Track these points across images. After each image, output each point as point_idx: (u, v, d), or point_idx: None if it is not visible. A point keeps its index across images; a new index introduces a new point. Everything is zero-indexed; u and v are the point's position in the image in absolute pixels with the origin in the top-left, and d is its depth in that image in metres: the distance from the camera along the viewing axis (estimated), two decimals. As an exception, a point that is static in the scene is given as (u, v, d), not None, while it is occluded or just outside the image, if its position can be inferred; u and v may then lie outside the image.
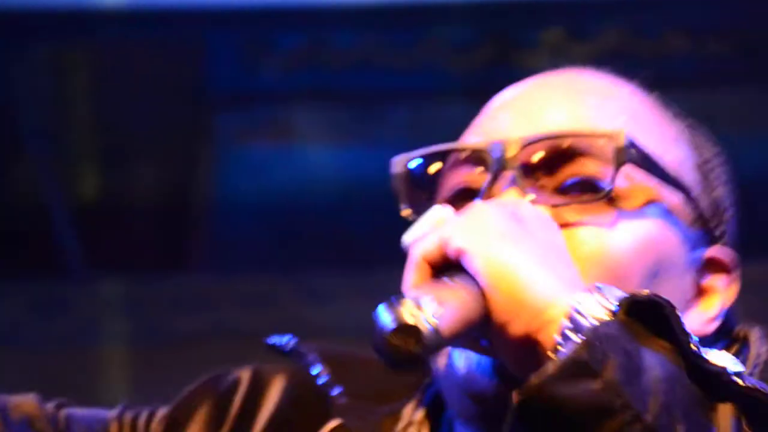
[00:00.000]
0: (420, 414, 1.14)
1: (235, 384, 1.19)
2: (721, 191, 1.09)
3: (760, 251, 3.01)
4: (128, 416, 1.20)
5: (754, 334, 1.06)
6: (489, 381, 1.00)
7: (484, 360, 0.99)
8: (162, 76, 2.95)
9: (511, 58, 3.50)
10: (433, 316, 0.84)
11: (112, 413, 1.19)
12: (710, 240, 1.07)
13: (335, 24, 3.12)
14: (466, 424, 1.07)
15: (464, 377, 1.02)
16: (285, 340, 1.15)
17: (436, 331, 0.84)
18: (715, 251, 1.06)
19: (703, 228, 1.07)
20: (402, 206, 1.07)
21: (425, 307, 0.83)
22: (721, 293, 1.05)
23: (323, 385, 1.14)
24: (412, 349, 0.83)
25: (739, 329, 1.06)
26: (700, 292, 1.05)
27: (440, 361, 1.04)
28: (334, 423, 1.12)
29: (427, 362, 0.92)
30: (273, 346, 1.15)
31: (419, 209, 1.04)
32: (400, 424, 1.14)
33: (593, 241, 1.00)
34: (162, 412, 1.20)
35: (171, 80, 2.98)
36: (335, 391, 1.14)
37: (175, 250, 3.11)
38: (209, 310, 3.06)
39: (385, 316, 0.82)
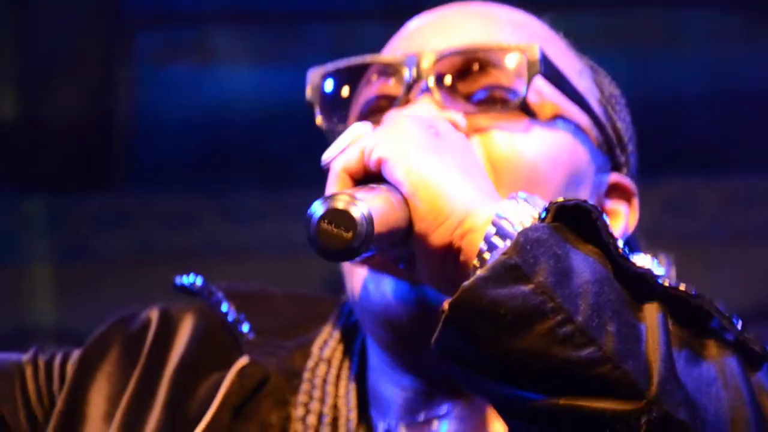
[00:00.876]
0: (329, 350, 1.16)
1: (146, 324, 1.19)
2: (622, 125, 1.13)
3: (682, 168, 3.09)
4: (42, 359, 1.20)
5: (662, 260, 1.12)
6: (406, 307, 1.01)
7: (402, 286, 1.01)
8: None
9: None
10: (365, 205, 0.83)
11: (26, 356, 1.20)
12: (614, 167, 1.12)
13: None
14: (381, 353, 1.10)
15: (380, 304, 1.03)
16: (192, 279, 1.18)
17: (368, 221, 0.83)
18: (619, 177, 1.11)
19: (608, 154, 1.12)
20: (318, 118, 1.10)
21: (359, 197, 0.83)
22: (623, 218, 1.10)
23: (232, 322, 1.16)
24: (344, 236, 0.83)
25: (646, 254, 1.10)
26: (606, 213, 1.07)
27: (355, 287, 1.06)
28: (244, 360, 1.11)
29: (358, 253, 0.87)
30: (182, 287, 1.18)
31: (335, 122, 1.09)
32: (311, 361, 1.15)
33: (507, 146, 1.02)
34: (76, 354, 1.20)
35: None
36: (244, 328, 1.15)
37: (98, 170, 3.04)
38: (132, 229, 3.00)
39: (318, 206, 0.83)
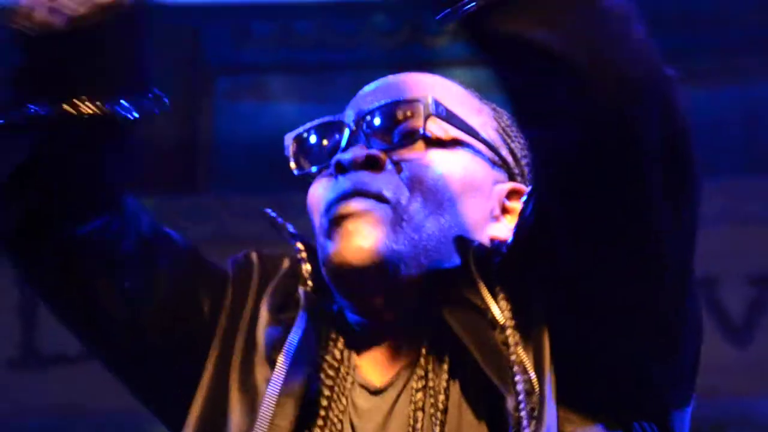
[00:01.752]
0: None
1: (250, 260, 1.28)
2: (517, 145, 1.26)
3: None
4: (204, 257, 1.29)
5: None
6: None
7: None
8: (177, 51, 3.39)
9: (421, 41, 3.84)
10: None
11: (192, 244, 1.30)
12: (511, 177, 1.24)
13: (299, 15, 3.67)
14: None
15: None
16: (282, 220, 1.26)
17: None
18: (516, 185, 1.23)
19: (505, 168, 1.24)
20: (293, 166, 1.23)
21: None
22: (517, 214, 1.19)
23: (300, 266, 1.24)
24: None
25: None
26: (505, 211, 1.22)
27: None
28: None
29: None
30: (273, 219, 1.26)
31: (308, 165, 1.21)
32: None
33: (416, 166, 1.15)
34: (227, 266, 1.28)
35: (184, 54, 3.46)
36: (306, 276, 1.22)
37: (187, 176, 3.65)
38: (212, 221, 3.49)
39: None
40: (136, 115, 1.13)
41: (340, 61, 3.81)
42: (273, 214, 1.25)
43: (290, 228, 1.23)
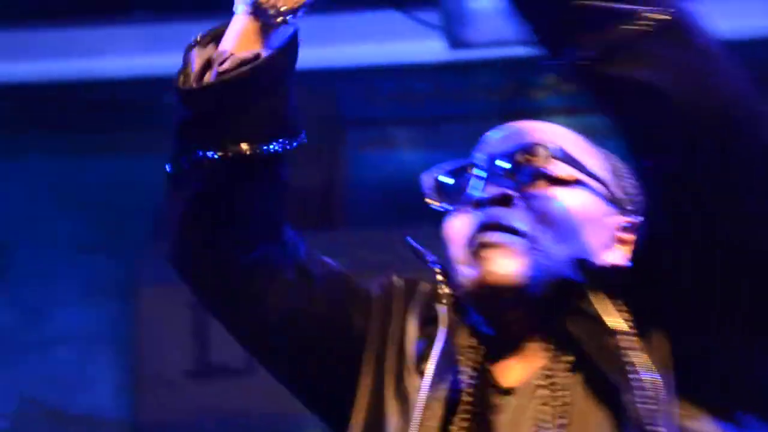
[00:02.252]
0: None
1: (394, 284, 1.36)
2: (627, 183, 1.31)
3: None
4: (354, 278, 1.37)
5: None
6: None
7: None
8: (316, 108, 3.54)
9: (525, 94, 3.96)
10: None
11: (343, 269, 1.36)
12: (623, 212, 1.29)
13: (417, 75, 3.93)
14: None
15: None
16: (422, 248, 1.34)
17: None
18: (626, 218, 1.28)
19: (617, 204, 1.30)
20: (432, 203, 1.32)
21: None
22: (631, 244, 1.25)
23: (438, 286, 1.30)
24: None
25: None
26: (617, 240, 1.28)
27: None
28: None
29: None
30: (414, 248, 1.34)
31: (446, 203, 1.30)
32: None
33: (544, 200, 1.24)
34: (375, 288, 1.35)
35: (322, 111, 3.68)
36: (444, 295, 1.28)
37: (327, 215, 3.91)
38: (350, 254, 3.52)
39: None
40: (285, 154, 1.24)
41: (453, 114, 3.98)
42: (414, 244, 1.34)
43: (428, 255, 1.33)
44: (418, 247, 1.34)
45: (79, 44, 3.52)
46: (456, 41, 3.39)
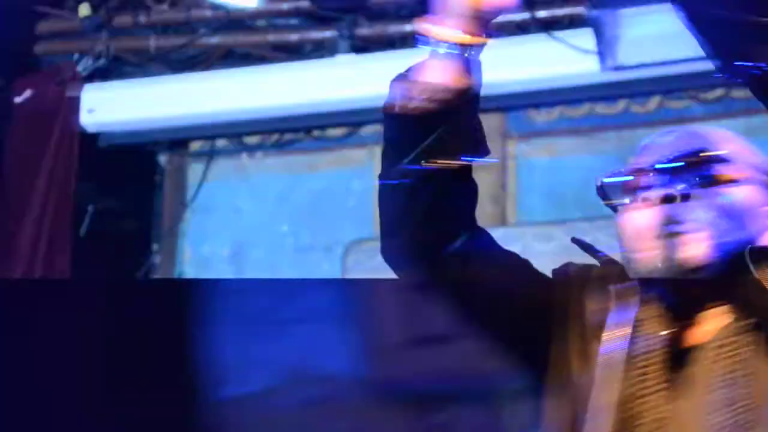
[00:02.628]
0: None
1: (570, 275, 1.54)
2: None
3: None
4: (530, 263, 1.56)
5: None
6: None
7: None
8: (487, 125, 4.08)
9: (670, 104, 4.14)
10: None
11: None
12: None
13: (576, 94, 4.22)
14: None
15: None
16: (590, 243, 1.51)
17: None
18: None
19: None
20: (607, 202, 1.49)
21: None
22: None
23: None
24: None
25: None
26: None
27: None
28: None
29: None
30: (581, 241, 1.54)
31: (619, 199, 1.47)
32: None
33: (712, 199, 1.40)
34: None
35: (493, 126, 3.92)
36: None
37: (499, 214, 4.37)
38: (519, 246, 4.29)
39: None
40: (483, 162, 1.47)
41: (609, 123, 4.33)
42: (581, 240, 1.54)
43: (596, 247, 1.52)
44: (585, 241, 1.55)
45: (300, 83, 4.30)
46: (610, 64, 3.84)
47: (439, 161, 1.39)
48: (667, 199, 1.39)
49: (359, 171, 4.48)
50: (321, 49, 4.28)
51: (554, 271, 1.56)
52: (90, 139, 4.40)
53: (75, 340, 3.94)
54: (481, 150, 1.47)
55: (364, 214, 4.19)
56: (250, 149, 4.73)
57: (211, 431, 4.15)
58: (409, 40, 3.83)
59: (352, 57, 4.24)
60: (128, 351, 3.94)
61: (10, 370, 3.82)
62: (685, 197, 1.38)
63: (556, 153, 4.43)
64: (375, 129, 4.18)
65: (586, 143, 4.35)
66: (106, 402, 3.85)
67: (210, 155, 4.68)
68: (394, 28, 4.20)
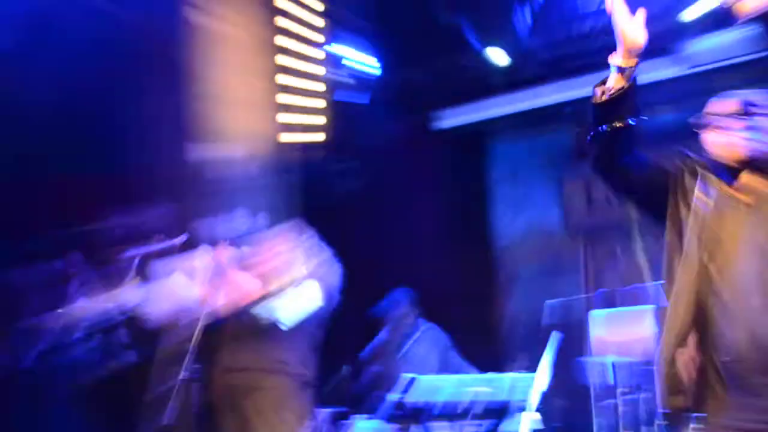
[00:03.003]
0: None
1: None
2: None
3: None
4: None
5: None
6: None
7: None
8: None
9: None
10: None
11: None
12: None
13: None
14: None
15: None
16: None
17: None
18: None
19: None
20: (697, 130, 2.41)
21: None
22: None
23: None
24: None
25: None
26: None
27: None
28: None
29: None
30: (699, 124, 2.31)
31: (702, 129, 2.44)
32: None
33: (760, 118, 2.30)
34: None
35: None
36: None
37: None
38: None
39: None
40: (635, 123, 2.38)
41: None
42: (688, 152, 2.32)
43: (686, 151, 2.32)
44: (688, 152, 2.37)
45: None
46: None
47: (617, 124, 2.39)
48: (731, 119, 2.28)
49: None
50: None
51: (663, 156, 2.41)
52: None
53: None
54: (638, 115, 2.44)
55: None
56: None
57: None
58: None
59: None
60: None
61: None
62: (742, 119, 2.25)
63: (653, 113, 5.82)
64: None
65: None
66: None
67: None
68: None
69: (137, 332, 4.11)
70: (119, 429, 4.41)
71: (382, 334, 5.48)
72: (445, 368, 5.37)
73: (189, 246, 4.06)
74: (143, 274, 4.08)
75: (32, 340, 3.70)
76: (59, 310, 3.80)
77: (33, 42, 4.58)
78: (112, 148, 4.98)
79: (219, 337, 3.64)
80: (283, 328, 3.51)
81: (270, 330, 3.52)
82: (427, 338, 5.56)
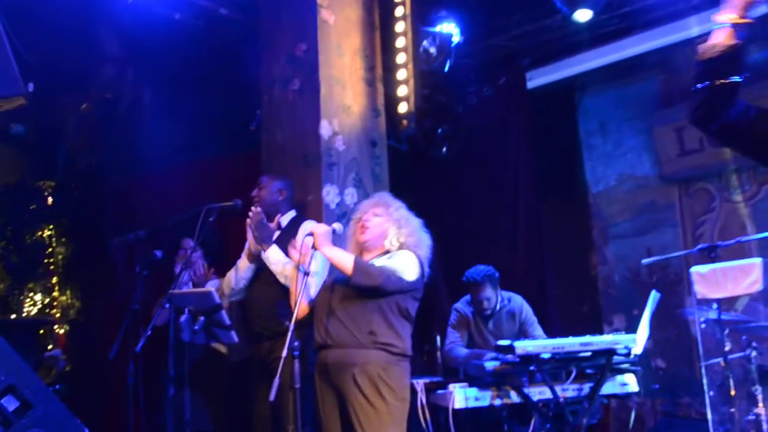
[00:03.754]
0: None
1: None
2: None
3: None
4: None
5: None
6: None
7: None
8: None
9: None
10: None
11: None
12: None
13: None
14: None
15: None
16: None
17: None
18: None
19: None
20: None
21: None
22: None
23: None
24: None
25: None
26: None
27: None
28: None
29: None
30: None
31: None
32: None
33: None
34: None
35: None
36: None
37: None
38: None
39: None
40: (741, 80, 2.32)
41: None
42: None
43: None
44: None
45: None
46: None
47: (720, 83, 2.36)
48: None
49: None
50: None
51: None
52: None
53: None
54: (744, 72, 2.38)
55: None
56: None
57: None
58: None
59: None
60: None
61: None
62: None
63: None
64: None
65: None
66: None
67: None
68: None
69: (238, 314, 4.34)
70: (224, 409, 4.68)
71: (464, 307, 5.49)
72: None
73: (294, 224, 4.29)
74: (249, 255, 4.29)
75: (141, 322, 3.89)
76: (168, 294, 4.00)
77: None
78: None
79: (313, 314, 3.78)
80: (376, 299, 3.60)
81: (362, 304, 3.62)
82: (508, 311, 5.51)
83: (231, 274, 4.42)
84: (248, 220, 4.16)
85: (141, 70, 6.05)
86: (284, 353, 3.33)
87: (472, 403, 4.48)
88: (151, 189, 6.08)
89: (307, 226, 3.95)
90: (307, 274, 3.50)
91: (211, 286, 4.69)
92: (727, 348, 4.84)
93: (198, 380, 4.21)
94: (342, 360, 3.60)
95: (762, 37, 6.10)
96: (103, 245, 6.36)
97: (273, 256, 4.22)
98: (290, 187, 4.65)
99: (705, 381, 5.28)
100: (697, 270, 5.19)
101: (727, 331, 4.87)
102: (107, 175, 6.98)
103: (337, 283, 3.70)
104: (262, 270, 4.35)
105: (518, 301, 5.55)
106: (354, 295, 3.60)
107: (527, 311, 5.52)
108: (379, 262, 3.75)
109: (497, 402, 4.51)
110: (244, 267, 4.36)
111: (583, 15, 6.14)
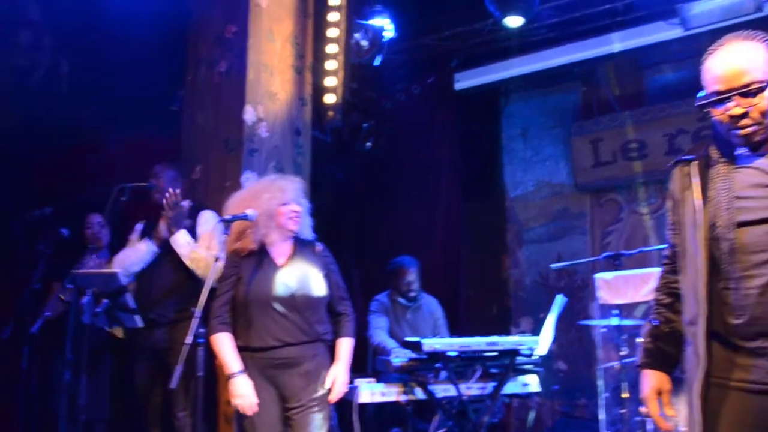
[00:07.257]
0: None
1: None
2: None
3: None
4: None
5: None
6: None
7: None
8: None
9: None
10: None
11: None
12: None
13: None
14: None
15: None
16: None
17: None
18: None
19: None
20: (701, 106, 2.14)
21: None
22: None
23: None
24: None
25: None
26: None
27: None
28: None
29: None
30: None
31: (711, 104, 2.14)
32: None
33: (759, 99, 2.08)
34: None
35: None
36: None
37: None
38: None
39: None
40: None
41: None
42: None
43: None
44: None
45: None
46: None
47: None
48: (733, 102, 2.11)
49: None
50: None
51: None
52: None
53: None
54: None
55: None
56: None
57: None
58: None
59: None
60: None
61: None
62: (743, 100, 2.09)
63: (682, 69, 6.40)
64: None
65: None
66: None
67: None
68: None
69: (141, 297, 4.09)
70: (125, 392, 4.45)
71: (384, 298, 5.41)
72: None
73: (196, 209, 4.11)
74: (154, 236, 4.09)
75: (41, 304, 3.62)
76: (70, 274, 3.76)
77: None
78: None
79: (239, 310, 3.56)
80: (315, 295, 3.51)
81: (307, 300, 3.51)
82: (426, 307, 5.51)
83: (125, 256, 4.15)
84: (164, 201, 3.95)
85: (59, 40, 5.68)
86: (188, 339, 3.14)
87: (378, 398, 4.38)
88: (61, 164, 5.76)
89: (207, 215, 3.84)
90: (217, 260, 3.32)
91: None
92: (623, 352, 4.87)
93: (94, 365, 3.96)
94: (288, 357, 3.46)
95: (674, 60, 6.36)
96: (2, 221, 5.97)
97: (181, 238, 4.04)
98: (184, 175, 4.47)
99: (600, 383, 5.32)
100: (601, 276, 5.21)
101: (625, 336, 4.91)
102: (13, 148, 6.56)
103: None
104: (162, 256, 4.13)
105: (435, 302, 5.60)
106: None
107: (442, 314, 5.58)
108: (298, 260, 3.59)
109: (403, 398, 4.41)
110: (146, 250, 4.11)
111: (514, 21, 6.07)
